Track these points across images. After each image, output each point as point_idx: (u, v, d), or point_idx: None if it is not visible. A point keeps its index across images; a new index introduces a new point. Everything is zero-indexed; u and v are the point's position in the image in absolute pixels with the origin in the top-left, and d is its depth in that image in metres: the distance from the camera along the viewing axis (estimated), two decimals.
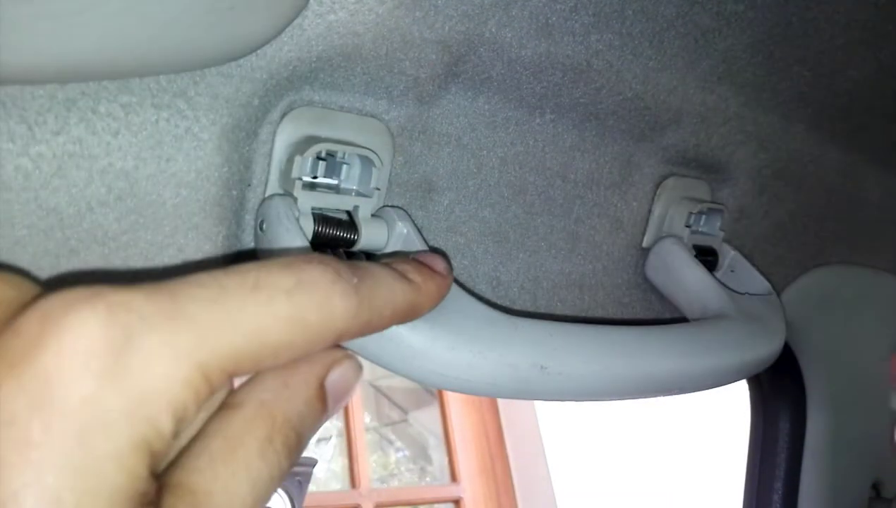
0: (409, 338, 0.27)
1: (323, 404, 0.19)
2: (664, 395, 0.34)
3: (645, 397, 0.33)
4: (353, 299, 0.18)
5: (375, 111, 0.32)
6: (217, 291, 0.16)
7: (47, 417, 0.14)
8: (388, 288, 0.21)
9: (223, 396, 0.18)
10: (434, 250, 0.35)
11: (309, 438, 0.18)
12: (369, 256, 0.32)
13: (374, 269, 0.21)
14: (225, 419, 0.17)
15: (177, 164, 0.27)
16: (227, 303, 0.16)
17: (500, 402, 2.60)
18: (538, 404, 2.51)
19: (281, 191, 0.30)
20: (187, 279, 0.16)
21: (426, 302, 0.23)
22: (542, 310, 0.40)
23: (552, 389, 0.29)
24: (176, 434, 0.15)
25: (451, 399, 2.63)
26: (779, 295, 0.43)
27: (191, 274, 0.16)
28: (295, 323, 0.17)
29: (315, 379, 0.19)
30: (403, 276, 0.22)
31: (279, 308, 0.17)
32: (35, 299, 0.15)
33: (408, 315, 0.22)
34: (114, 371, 0.14)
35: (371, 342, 0.26)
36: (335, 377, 0.19)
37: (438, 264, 0.24)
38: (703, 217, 0.44)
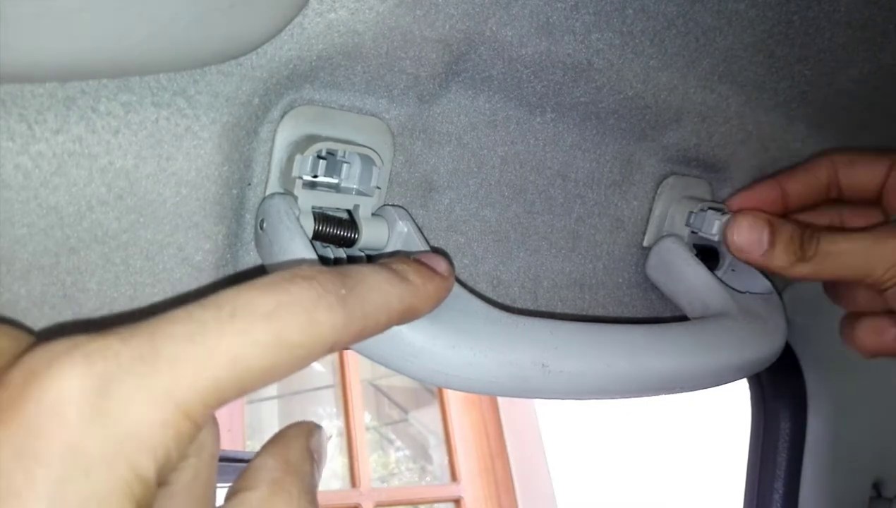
0: (410, 337, 0.27)
1: (315, 465, 0.20)
2: (665, 394, 0.34)
3: (646, 395, 0.33)
4: (341, 312, 0.19)
5: (376, 110, 0.32)
6: (193, 326, 0.16)
7: (30, 465, 0.14)
8: (381, 294, 0.21)
9: (212, 439, 0.19)
10: (436, 250, 0.35)
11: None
12: (370, 256, 0.32)
13: (367, 275, 0.21)
14: (242, 501, 0.18)
15: (177, 163, 0.27)
16: (205, 337, 0.16)
17: (501, 401, 2.60)
18: (538, 403, 2.51)
19: (281, 190, 0.30)
20: (164, 316, 0.17)
21: (425, 305, 0.23)
22: (543, 309, 0.40)
23: (553, 387, 0.29)
24: (160, 477, 0.16)
25: (452, 398, 2.63)
26: (780, 294, 0.43)
27: (169, 311, 0.17)
28: (277, 346, 0.17)
29: (306, 450, 0.20)
30: (402, 278, 0.22)
31: (259, 334, 0.17)
32: (27, 349, 0.16)
33: (405, 317, 0.22)
34: (92, 417, 0.15)
35: (371, 340, 0.26)
36: (314, 443, 0.21)
37: (440, 265, 0.24)
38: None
